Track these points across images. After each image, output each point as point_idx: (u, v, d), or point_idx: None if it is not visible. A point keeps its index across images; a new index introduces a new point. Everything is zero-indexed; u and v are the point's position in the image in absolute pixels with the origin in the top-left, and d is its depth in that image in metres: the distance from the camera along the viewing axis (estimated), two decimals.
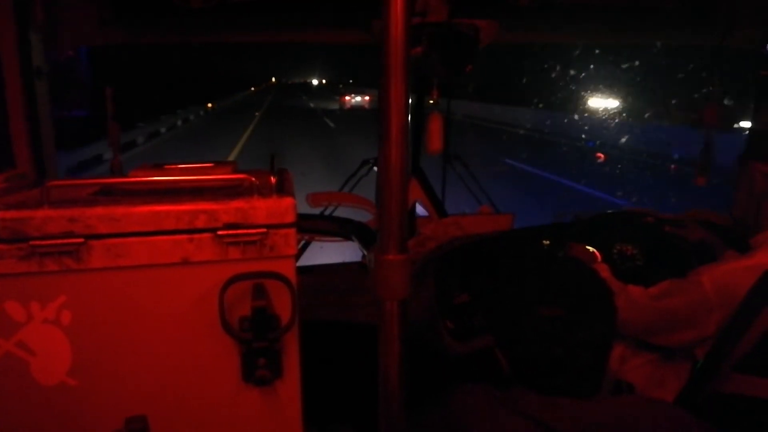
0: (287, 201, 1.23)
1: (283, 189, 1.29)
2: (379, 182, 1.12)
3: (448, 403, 1.76)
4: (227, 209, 1.20)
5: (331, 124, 29.41)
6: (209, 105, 36.65)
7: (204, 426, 1.27)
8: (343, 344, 2.15)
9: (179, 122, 27.44)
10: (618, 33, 2.78)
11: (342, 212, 2.94)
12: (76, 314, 1.17)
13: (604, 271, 2.00)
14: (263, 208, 1.21)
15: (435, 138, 2.43)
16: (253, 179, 1.25)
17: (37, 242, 1.13)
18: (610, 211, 2.57)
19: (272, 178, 1.27)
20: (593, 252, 2.22)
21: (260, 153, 17.87)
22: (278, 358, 1.24)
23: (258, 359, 1.22)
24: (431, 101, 2.47)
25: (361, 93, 45.65)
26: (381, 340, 1.17)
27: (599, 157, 15.08)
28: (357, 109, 39.84)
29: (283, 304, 1.23)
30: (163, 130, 23.53)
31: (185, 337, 1.22)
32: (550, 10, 2.49)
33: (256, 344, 1.21)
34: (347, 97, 44.77)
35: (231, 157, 16.44)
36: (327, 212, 3.06)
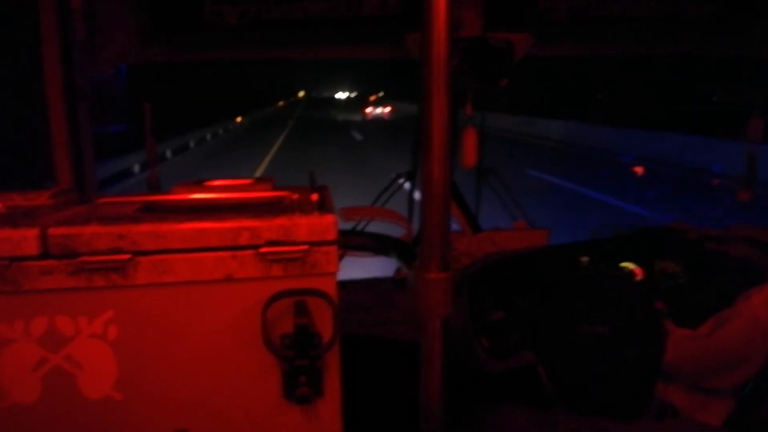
0: (329, 218, 1.23)
1: (324, 206, 1.29)
2: (421, 199, 1.10)
3: (487, 423, 1.71)
4: (270, 226, 1.20)
5: (358, 137, 29.73)
6: (238, 119, 37.23)
7: None
8: (380, 361, 2.13)
9: (208, 136, 28.00)
10: (655, 45, 2.73)
11: (374, 227, 2.93)
12: (123, 329, 1.19)
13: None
14: (305, 225, 1.21)
15: (470, 153, 2.41)
16: (295, 196, 1.26)
17: (86, 258, 1.15)
18: (650, 227, 2.50)
19: (313, 195, 1.27)
20: (634, 270, 2.16)
21: (291, 161, 18.33)
22: (319, 376, 1.24)
23: (299, 377, 1.22)
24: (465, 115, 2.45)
25: (382, 105, 48.87)
26: (423, 358, 1.16)
27: (637, 172, 14.73)
28: (378, 120, 42.65)
29: (324, 322, 1.23)
30: (192, 144, 24.02)
31: (227, 354, 1.23)
32: (586, 23, 2.45)
33: (297, 362, 1.21)
34: (369, 110, 47.98)
35: (263, 166, 16.78)
36: (359, 227, 3.05)
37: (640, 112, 20.62)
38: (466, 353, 2.01)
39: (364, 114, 47.34)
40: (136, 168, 14.73)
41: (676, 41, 2.66)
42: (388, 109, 47.62)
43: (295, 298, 1.21)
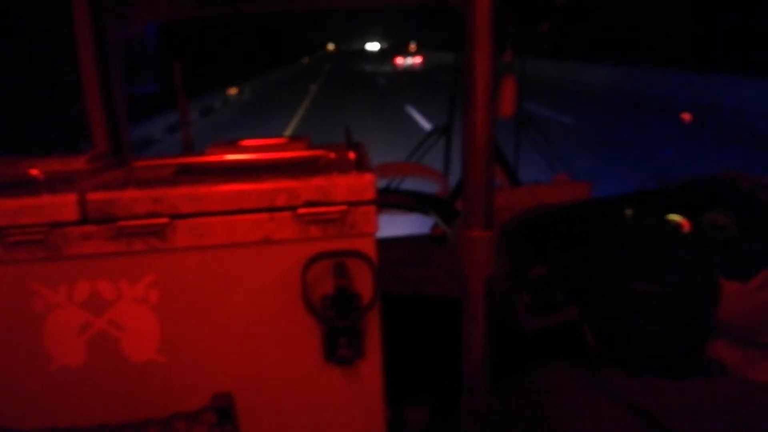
0: (367, 177, 1.19)
1: (362, 165, 1.26)
2: (463, 153, 1.06)
3: (532, 384, 1.70)
4: (307, 187, 1.18)
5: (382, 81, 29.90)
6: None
7: (286, 403, 1.27)
8: (421, 319, 2.12)
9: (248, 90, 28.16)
10: None
11: (409, 183, 2.89)
12: (164, 293, 1.20)
13: None
14: (343, 185, 1.18)
15: (507, 101, 2.33)
16: (332, 155, 1.23)
17: (125, 222, 1.15)
18: (699, 177, 2.39)
19: (351, 153, 1.24)
20: (681, 222, 2.08)
21: (325, 110, 18.66)
22: (360, 337, 1.23)
23: (340, 338, 1.21)
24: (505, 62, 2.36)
25: (412, 55, 48.59)
26: (465, 317, 1.14)
27: (685, 119, 14.07)
28: (408, 70, 41.98)
29: (364, 283, 1.21)
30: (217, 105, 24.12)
31: (268, 316, 1.23)
32: None
33: (338, 323, 1.20)
34: (399, 60, 47.39)
35: (298, 114, 16.75)
36: (393, 184, 3.02)
37: (696, 54, 19.52)
38: (506, 309, 1.99)
39: (395, 64, 46.93)
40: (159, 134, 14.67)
41: None
42: (419, 60, 47.26)
43: (335, 260, 1.19)
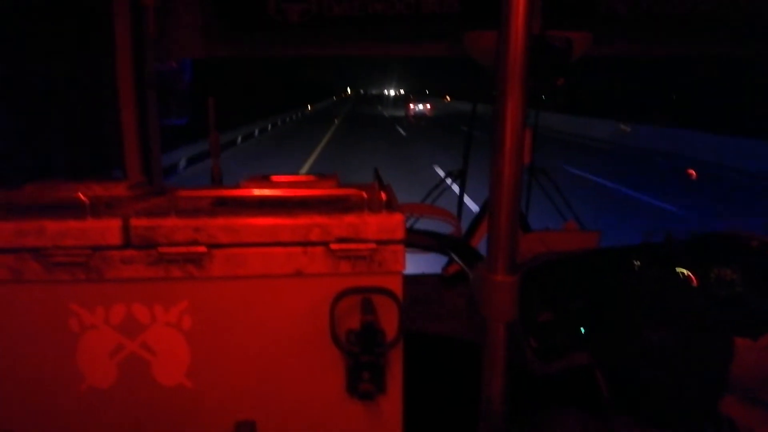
0: (397, 217, 1.24)
1: (391, 205, 1.30)
2: (489, 199, 1.10)
3: (540, 425, 1.70)
4: (340, 223, 1.22)
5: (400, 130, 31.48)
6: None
7: None
8: (440, 358, 2.13)
9: (278, 122, 29.56)
10: (720, 44, 2.64)
11: (422, 225, 2.95)
12: (196, 319, 1.23)
13: None
14: (374, 224, 1.22)
15: (524, 151, 2.39)
16: (364, 194, 1.27)
17: (165, 249, 1.19)
18: (706, 233, 2.43)
19: (382, 193, 1.28)
20: (689, 275, 2.11)
21: (341, 150, 19.53)
22: (382, 372, 1.25)
23: (363, 373, 1.23)
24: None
25: (423, 102, 52.08)
26: (485, 361, 1.15)
27: (690, 174, 14.14)
28: (420, 115, 46.10)
29: (389, 319, 1.24)
30: (256, 132, 25.29)
31: (295, 347, 1.26)
32: (648, 21, 2.39)
33: (362, 358, 1.22)
34: (411, 105, 50.49)
35: (315, 153, 17.20)
36: (408, 223, 3.09)
37: (707, 113, 19.80)
38: (513, 353, 2.01)
39: (407, 110, 49.29)
40: (182, 163, 14.98)
41: (743, 40, 2.57)
42: (429, 106, 50.01)
43: (362, 295, 1.23)
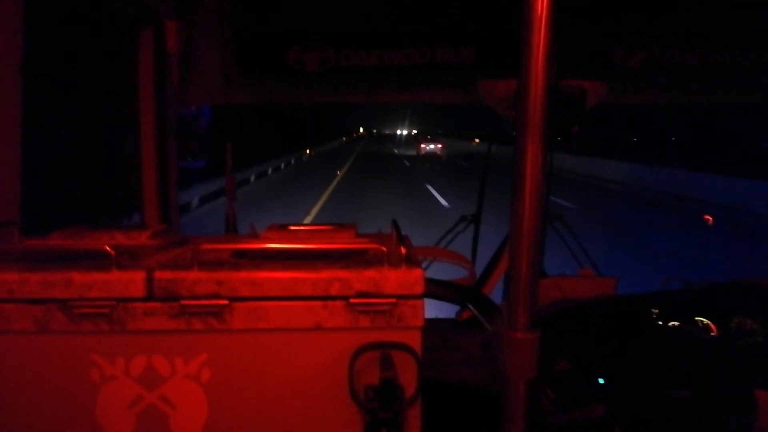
0: (417, 272, 1.23)
1: (411, 259, 1.30)
2: (510, 249, 1.09)
3: None
4: (360, 278, 1.22)
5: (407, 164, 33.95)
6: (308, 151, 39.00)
7: None
8: (458, 410, 2.09)
9: (292, 160, 30.64)
10: (730, 94, 2.67)
11: (436, 268, 2.94)
12: (215, 372, 1.23)
13: None
14: (394, 279, 1.22)
15: None
16: (384, 248, 1.27)
17: (187, 302, 1.20)
18: (725, 281, 2.40)
19: (402, 248, 1.29)
20: (707, 325, 2.07)
21: (353, 187, 20.76)
22: (401, 429, 1.23)
23: (381, 429, 1.21)
24: None
25: (434, 142, 53.03)
26: (505, 417, 1.13)
27: (707, 220, 14.02)
28: (431, 154, 47.70)
29: (408, 376, 1.22)
30: (269, 170, 25.85)
31: (313, 402, 1.24)
32: (661, 72, 2.43)
33: (380, 415, 1.20)
34: (422, 145, 51.38)
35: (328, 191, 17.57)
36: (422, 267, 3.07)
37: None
38: (530, 402, 1.96)
39: (418, 149, 50.36)
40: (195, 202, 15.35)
41: (751, 91, 2.59)
42: (440, 146, 50.79)
43: (381, 351, 1.21)
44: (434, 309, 2.89)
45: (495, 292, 2.80)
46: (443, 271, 2.68)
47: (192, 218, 13.55)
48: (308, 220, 13.27)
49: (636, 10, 2.41)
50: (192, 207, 14.87)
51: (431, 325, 2.79)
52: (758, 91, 2.61)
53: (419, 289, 1.23)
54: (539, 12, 1.04)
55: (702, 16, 2.40)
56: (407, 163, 36.56)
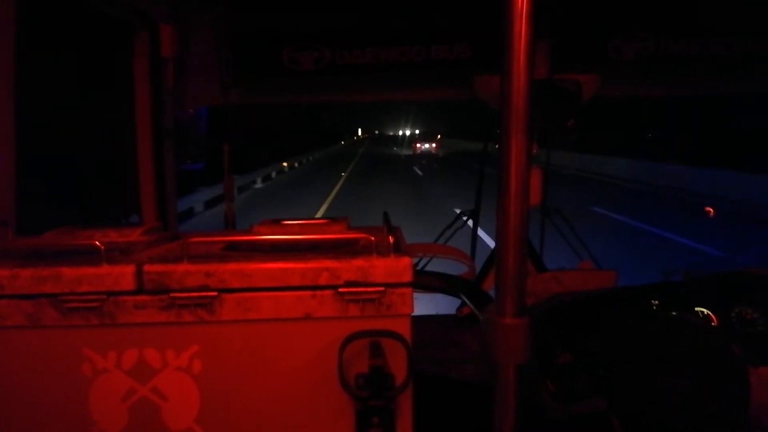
0: (405, 260, 1.24)
1: (399, 248, 1.31)
2: (497, 241, 1.10)
3: None
4: (349, 267, 1.23)
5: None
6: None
7: None
8: (451, 402, 2.10)
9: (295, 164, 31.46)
10: (724, 84, 2.66)
11: (436, 265, 2.95)
12: (206, 363, 1.24)
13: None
14: (382, 267, 1.23)
15: (534, 191, 2.40)
16: (372, 238, 1.28)
17: (177, 294, 1.21)
18: (725, 271, 2.39)
19: (390, 237, 1.29)
20: (707, 315, 2.07)
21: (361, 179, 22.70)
22: (392, 417, 1.24)
23: (372, 418, 1.22)
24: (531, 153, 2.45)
25: (429, 141, 58.95)
26: (496, 405, 1.13)
27: (708, 212, 13.98)
28: (426, 153, 53.30)
29: (398, 363, 1.23)
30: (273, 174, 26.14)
31: (304, 392, 1.25)
32: (655, 63, 2.43)
33: (371, 403, 1.21)
34: (418, 144, 57.28)
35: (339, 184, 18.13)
36: (422, 264, 3.08)
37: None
38: (531, 396, 1.96)
39: (414, 148, 55.43)
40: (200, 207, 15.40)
41: (746, 81, 2.59)
42: (435, 145, 55.68)
43: (371, 339, 1.22)
44: (437, 305, 2.91)
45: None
46: (444, 267, 2.69)
47: (194, 223, 13.64)
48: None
49: (629, 2, 2.41)
50: (196, 212, 14.99)
51: (432, 320, 2.81)
52: (754, 80, 2.60)
53: (407, 277, 1.24)
54: (519, 5, 1.04)
55: (696, 7, 2.39)
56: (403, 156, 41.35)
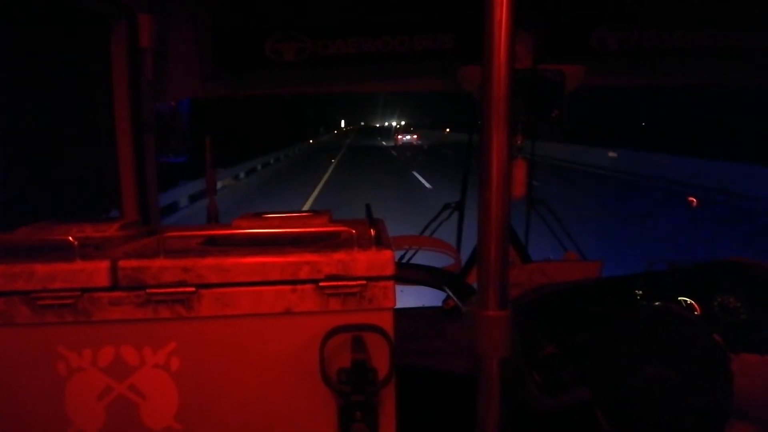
0: (386, 253, 1.23)
1: (381, 241, 1.29)
2: (479, 234, 1.09)
3: None
4: (329, 261, 1.21)
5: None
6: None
7: None
8: (434, 395, 2.10)
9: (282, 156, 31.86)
10: (706, 76, 2.67)
11: (422, 257, 2.94)
12: (184, 360, 1.22)
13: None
14: (363, 260, 1.21)
15: (518, 183, 2.40)
16: (353, 231, 1.26)
17: (154, 290, 1.18)
18: (709, 261, 2.41)
19: (371, 230, 1.28)
20: (690, 305, 2.08)
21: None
22: (375, 412, 1.23)
23: (355, 412, 1.21)
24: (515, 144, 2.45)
25: (410, 134, 61.88)
26: (480, 398, 1.13)
27: (691, 202, 14.14)
28: (407, 144, 55.59)
29: (380, 357, 1.22)
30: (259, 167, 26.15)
31: (285, 387, 1.23)
32: (638, 55, 2.43)
33: (353, 398, 1.20)
34: (399, 136, 60.02)
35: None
36: (407, 256, 3.07)
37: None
38: (516, 388, 1.97)
39: (396, 140, 58.22)
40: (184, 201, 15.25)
41: (729, 72, 2.60)
42: (416, 137, 58.68)
43: (353, 333, 1.21)
44: (423, 298, 2.90)
45: None
46: (429, 260, 2.68)
47: (179, 217, 13.51)
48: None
49: None
50: (181, 206, 14.84)
51: (418, 313, 2.80)
52: (738, 72, 2.61)
53: (389, 270, 1.22)
54: None
55: None
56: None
